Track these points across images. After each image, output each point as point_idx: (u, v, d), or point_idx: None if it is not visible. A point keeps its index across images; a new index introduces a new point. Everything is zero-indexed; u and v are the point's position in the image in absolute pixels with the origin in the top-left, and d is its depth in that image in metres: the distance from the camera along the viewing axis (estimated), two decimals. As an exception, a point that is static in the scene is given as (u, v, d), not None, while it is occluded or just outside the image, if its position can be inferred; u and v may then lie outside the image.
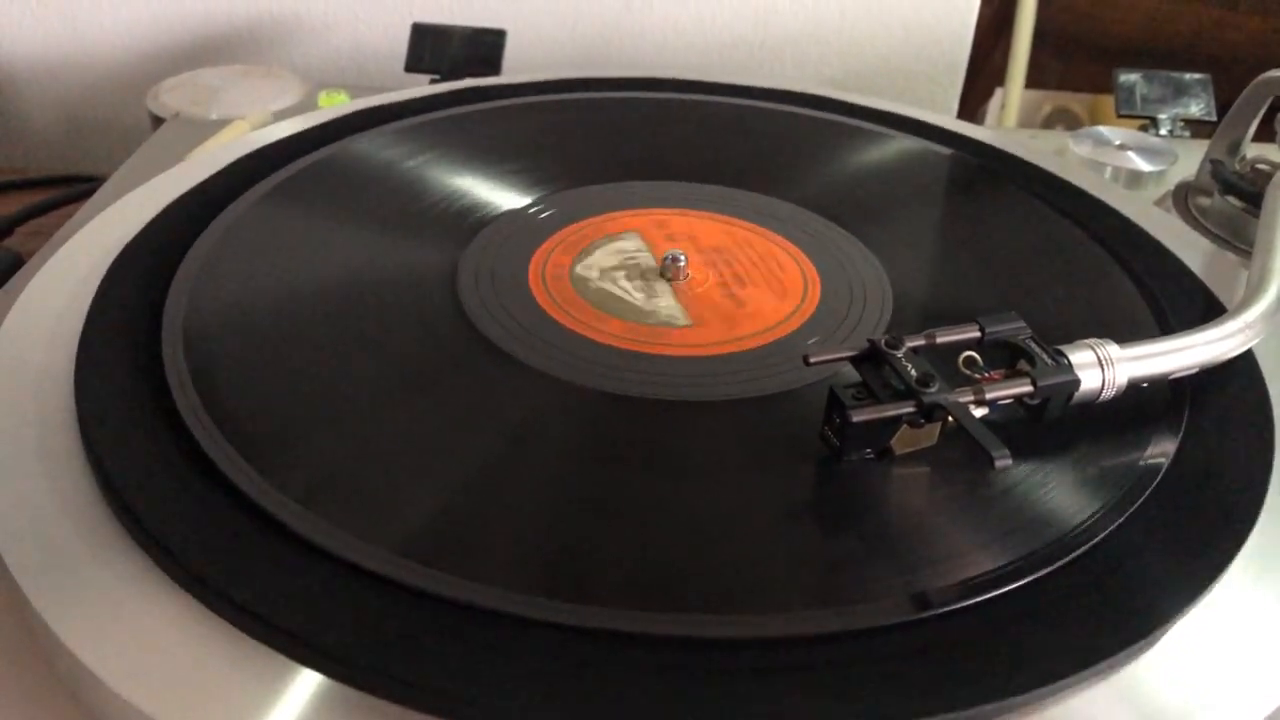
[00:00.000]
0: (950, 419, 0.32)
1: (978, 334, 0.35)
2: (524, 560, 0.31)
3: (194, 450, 0.33)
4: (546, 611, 0.28)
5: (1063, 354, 0.34)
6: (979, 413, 0.33)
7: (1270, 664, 0.29)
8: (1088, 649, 0.28)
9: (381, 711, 0.27)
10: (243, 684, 0.27)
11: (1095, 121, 0.84)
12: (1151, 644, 0.29)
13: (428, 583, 0.29)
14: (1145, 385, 0.36)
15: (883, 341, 0.34)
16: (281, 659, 0.28)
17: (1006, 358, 0.35)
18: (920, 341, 0.34)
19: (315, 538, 0.30)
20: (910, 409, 0.32)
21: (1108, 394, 0.35)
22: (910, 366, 0.33)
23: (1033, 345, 0.34)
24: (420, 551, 0.30)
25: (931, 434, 0.34)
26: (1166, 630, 0.30)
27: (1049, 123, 0.91)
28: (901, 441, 0.34)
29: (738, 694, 0.27)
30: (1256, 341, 0.38)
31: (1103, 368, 0.34)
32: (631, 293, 0.44)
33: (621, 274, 0.45)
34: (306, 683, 0.27)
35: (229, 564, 0.29)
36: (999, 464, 0.30)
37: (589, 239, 0.47)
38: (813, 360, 0.34)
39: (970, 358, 0.34)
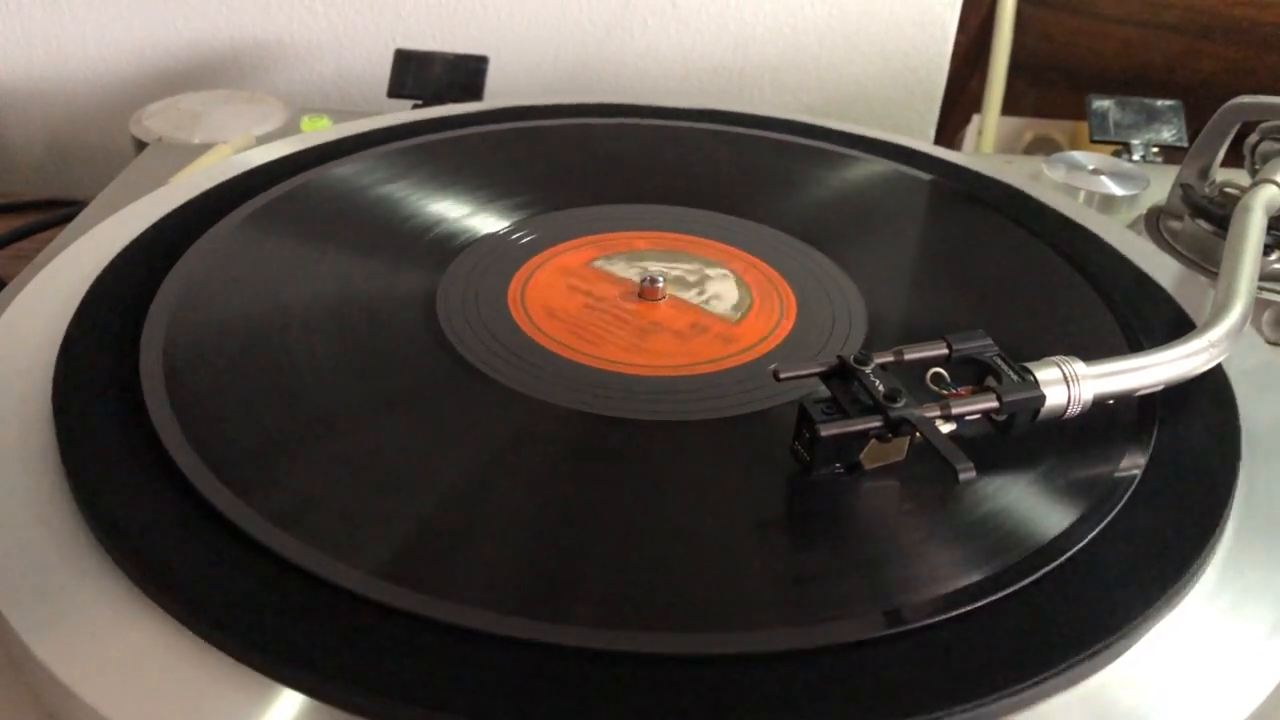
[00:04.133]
0: (917, 434, 0.33)
1: (945, 351, 0.35)
2: (502, 580, 0.31)
3: (173, 472, 0.33)
4: (525, 630, 0.29)
5: (1029, 371, 0.35)
6: (946, 428, 0.33)
7: (1239, 674, 0.30)
8: (1058, 659, 0.29)
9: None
10: (224, 704, 0.27)
11: (1076, 149, 0.85)
12: (1121, 654, 0.30)
13: (407, 602, 0.29)
14: (1112, 402, 0.36)
15: (852, 358, 0.34)
16: (263, 679, 0.28)
17: (975, 374, 0.35)
18: (889, 358, 0.35)
19: (295, 558, 0.30)
20: (877, 424, 0.33)
21: (1074, 410, 0.35)
22: (878, 382, 0.33)
23: (999, 362, 0.35)
24: (399, 571, 0.30)
25: (900, 449, 0.34)
26: (1136, 641, 0.30)
27: (1030, 151, 0.91)
28: (870, 456, 0.34)
29: (715, 710, 0.27)
30: (1221, 359, 0.39)
31: (1068, 384, 0.35)
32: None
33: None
34: (288, 702, 0.27)
35: (210, 585, 0.30)
36: (962, 476, 0.31)
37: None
38: (783, 376, 0.34)
39: (938, 374, 0.35)
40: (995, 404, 0.34)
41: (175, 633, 0.29)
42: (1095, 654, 0.29)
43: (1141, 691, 0.29)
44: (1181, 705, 0.29)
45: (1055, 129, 0.91)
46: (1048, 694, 0.28)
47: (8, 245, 0.65)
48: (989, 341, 0.36)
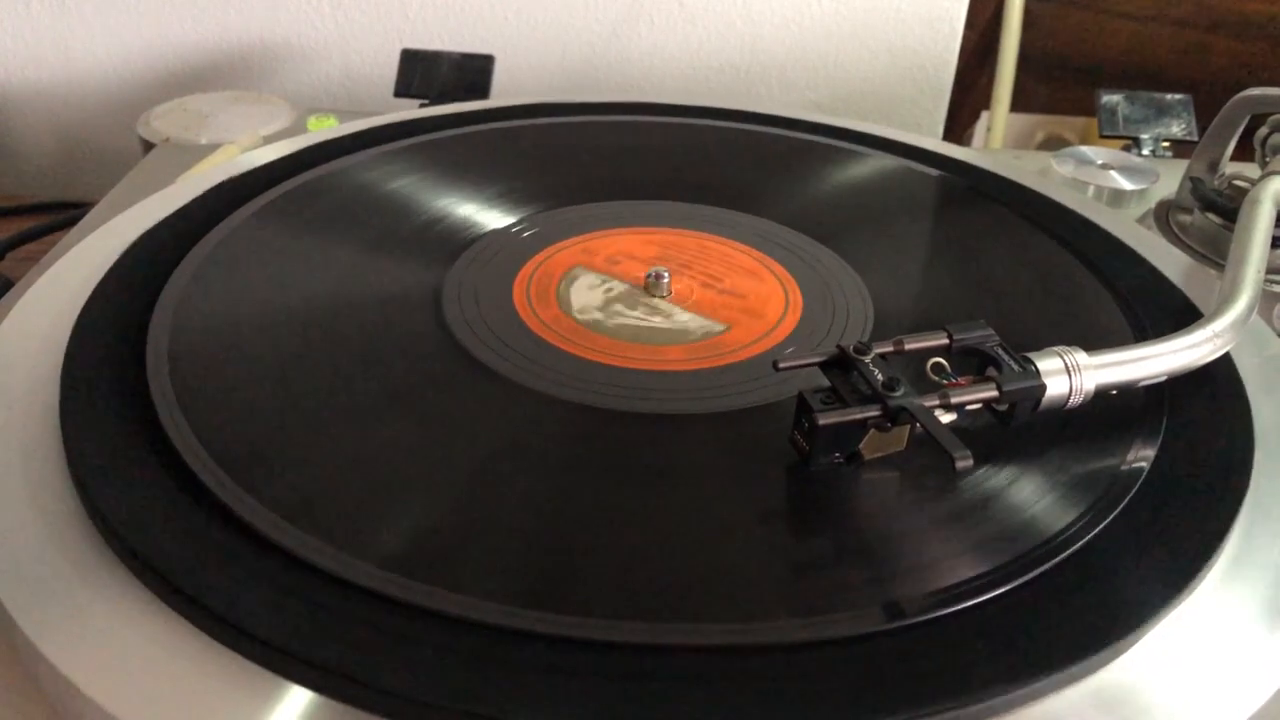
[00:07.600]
0: (918, 424, 0.32)
1: (946, 341, 0.35)
2: (507, 573, 0.31)
3: (180, 468, 0.33)
4: (530, 623, 0.29)
5: (1030, 361, 0.34)
6: (946, 418, 0.33)
7: (1246, 669, 0.30)
8: (1065, 653, 0.28)
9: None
10: (232, 700, 0.27)
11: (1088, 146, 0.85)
12: (1129, 648, 0.29)
13: (414, 596, 0.29)
14: (1115, 393, 0.36)
15: (851, 348, 0.34)
16: (271, 675, 0.28)
17: (977, 366, 0.35)
18: (889, 348, 0.35)
19: (302, 553, 0.30)
20: (876, 413, 0.32)
21: (1076, 400, 0.35)
22: (877, 372, 0.33)
23: (1000, 352, 0.35)
24: (406, 565, 0.30)
25: (900, 438, 0.34)
26: (1144, 635, 0.30)
27: (1043, 149, 0.91)
28: (870, 446, 0.34)
29: (718, 701, 0.27)
30: (1226, 350, 0.38)
31: (1070, 374, 0.34)
32: (647, 318, 0.44)
33: (619, 304, 0.45)
34: (296, 698, 0.27)
35: (217, 581, 0.30)
36: (960, 465, 0.30)
37: (569, 265, 0.48)
38: (782, 366, 0.34)
39: (938, 364, 0.35)
40: (995, 393, 0.33)
41: (182, 630, 0.29)
42: (1103, 648, 0.29)
43: (1150, 686, 0.29)
44: (1190, 700, 0.29)
45: (1067, 127, 0.91)
46: (1055, 688, 0.28)
47: (18, 247, 0.65)
48: (990, 332, 0.35)
